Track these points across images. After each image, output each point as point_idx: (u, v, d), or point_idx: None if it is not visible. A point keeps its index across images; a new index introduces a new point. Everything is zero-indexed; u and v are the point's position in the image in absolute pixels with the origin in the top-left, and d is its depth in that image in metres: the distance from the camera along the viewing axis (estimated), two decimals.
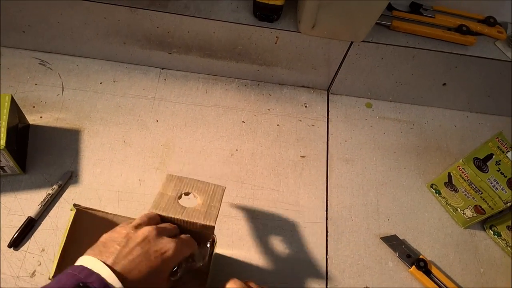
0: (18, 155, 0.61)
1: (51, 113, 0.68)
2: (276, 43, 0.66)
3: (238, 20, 0.63)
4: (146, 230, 0.43)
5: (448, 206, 0.67)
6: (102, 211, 0.49)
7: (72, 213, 0.47)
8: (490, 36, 0.67)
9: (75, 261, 0.45)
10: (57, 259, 0.45)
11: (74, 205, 0.48)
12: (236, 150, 0.69)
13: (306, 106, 0.75)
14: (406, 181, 0.71)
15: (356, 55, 0.67)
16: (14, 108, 0.60)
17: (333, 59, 0.69)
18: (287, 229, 0.64)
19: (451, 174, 0.64)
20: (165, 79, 0.74)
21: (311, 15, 0.59)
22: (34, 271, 0.57)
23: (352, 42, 0.65)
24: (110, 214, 0.50)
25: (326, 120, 0.74)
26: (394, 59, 0.67)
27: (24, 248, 0.58)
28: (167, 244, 0.42)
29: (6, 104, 0.58)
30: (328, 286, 0.60)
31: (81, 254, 0.46)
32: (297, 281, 0.60)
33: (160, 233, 0.43)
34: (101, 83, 0.72)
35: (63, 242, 0.46)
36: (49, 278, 0.44)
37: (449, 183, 0.65)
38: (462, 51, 0.66)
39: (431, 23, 0.66)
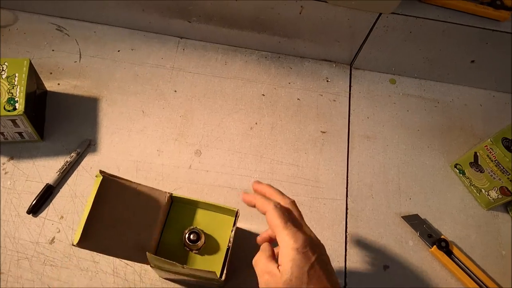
0: (36, 122, 0.60)
1: (68, 80, 0.67)
2: (300, 13, 0.64)
3: None
4: None
5: (472, 187, 0.66)
6: (126, 180, 0.48)
7: (98, 180, 0.46)
8: None
9: (98, 229, 0.44)
10: (82, 225, 0.44)
11: (100, 171, 0.46)
12: (256, 123, 0.68)
13: (327, 81, 0.73)
14: (429, 160, 0.69)
15: (383, 27, 0.64)
16: (32, 74, 0.59)
17: (359, 31, 0.66)
18: (306, 205, 0.63)
19: (478, 154, 0.62)
20: (183, 49, 0.72)
21: None
22: (53, 238, 0.57)
23: (380, 14, 0.62)
24: (134, 183, 0.49)
25: (348, 96, 0.72)
26: (423, 33, 0.65)
27: (43, 215, 0.58)
28: None
29: (24, 69, 0.57)
30: (347, 264, 0.60)
31: (105, 222, 0.45)
32: None
33: None
34: (119, 51, 0.70)
35: (89, 208, 0.45)
36: (72, 245, 0.43)
37: (475, 163, 0.63)
38: (495, 26, 0.63)
39: None
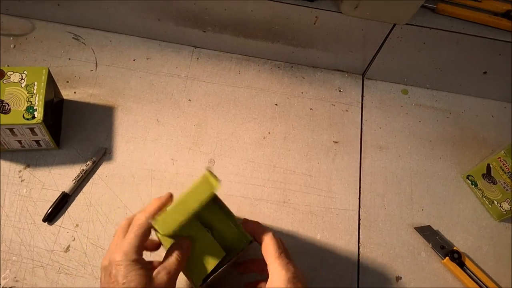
0: (53, 130, 0.60)
1: (84, 89, 0.68)
2: (314, 24, 0.64)
3: None
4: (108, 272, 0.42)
5: (484, 198, 0.66)
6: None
7: (209, 179, 0.46)
8: None
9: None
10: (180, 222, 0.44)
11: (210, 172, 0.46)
12: (269, 133, 0.68)
13: (340, 91, 0.74)
14: (441, 171, 0.69)
15: (397, 38, 0.65)
16: (50, 82, 0.60)
17: (372, 42, 0.67)
18: (319, 215, 0.63)
19: (491, 165, 0.62)
20: (198, 58, 0.73)
21: None
22: (68, 246, 0.57)
23: (394, 25, 0.62)
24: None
25: (360, 106, 0.73)
26: (436, 44, 0.65)
27: (58, 223, 0.59)
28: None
29: (43, 78, 0.58)
30: (360, 274, 0.60)
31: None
32: (328, 268, 0.60)
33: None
34: (134, 60, 0.71)
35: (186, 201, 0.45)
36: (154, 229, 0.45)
37: (488, 175, 0.63)
38: (508, 38, 0.64)
39: (477, 8, 0.64)
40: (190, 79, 0.71)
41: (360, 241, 0.62)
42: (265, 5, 0.62)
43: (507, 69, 0.68)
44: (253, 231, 0.49)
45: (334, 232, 0.62)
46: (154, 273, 0.43)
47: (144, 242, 0.45)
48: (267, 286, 0.44)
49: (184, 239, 0.47)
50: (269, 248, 0.46)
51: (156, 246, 0.51)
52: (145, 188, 0.62)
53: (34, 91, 0.57)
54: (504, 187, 0.61)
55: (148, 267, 0.43)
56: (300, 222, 0.62)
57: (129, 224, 0.46)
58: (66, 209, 0.60)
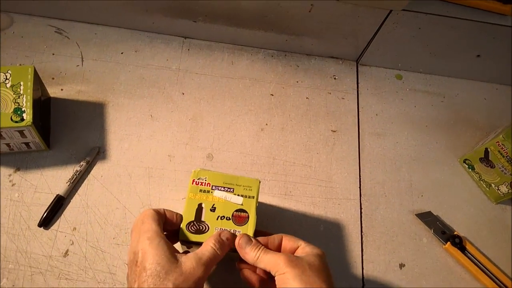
0: (42, 131, 0.58)
1: (72, 85, 0.64)
2: (309, 12, 0.63)
3: None
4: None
5: (481, 182, 0.67)
6: None
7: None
8: None
9: None
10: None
11: None
12: (266, 124, 0.67)
13: (335, 78, 0.73)
14: (438, 156, 0.69)
15: (393, 24, 0.64)
16: (37, 80, 0.57)
17: (367, 28, 0.66)
18: (321, 206, 0.63)
19: (489, 149, 0.63)
20: (188, 49, 0.70)
21: None
22: (67, 251, 0.55)
23: (390, 11, 0.61)
24: None
25: (356, 93, 0.72)
26: (432, 29, 0.64)
27: (54, 227, 0.56)
28: None
29: (30, 77, 0.55)
30: (364, 263, 0.60)
31: None
32: (332, 258, 0.59)
33: None
34: (122, 53, 0.68)
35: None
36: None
37: (485, 159, 0.64)
38: (502, 21, 0.64)
39: None
40: (182, 71, 0.68)
41: (363, 230, 0.62)
42: None
43: (501, 52, 0.69)
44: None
45: (337, 223, 0.62)
46: (183, 258, 0.42)
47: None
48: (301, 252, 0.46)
49: (229, 234, 0.47)
50: (291, 237, 0.47)
51: None
52: (143, 187, 0.60)
53: (21, 92, 0.54)
54: (502, 171, 0.62)
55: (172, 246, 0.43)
56: (303, 214, 0.62)
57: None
58: (62, 213, 0.57)
